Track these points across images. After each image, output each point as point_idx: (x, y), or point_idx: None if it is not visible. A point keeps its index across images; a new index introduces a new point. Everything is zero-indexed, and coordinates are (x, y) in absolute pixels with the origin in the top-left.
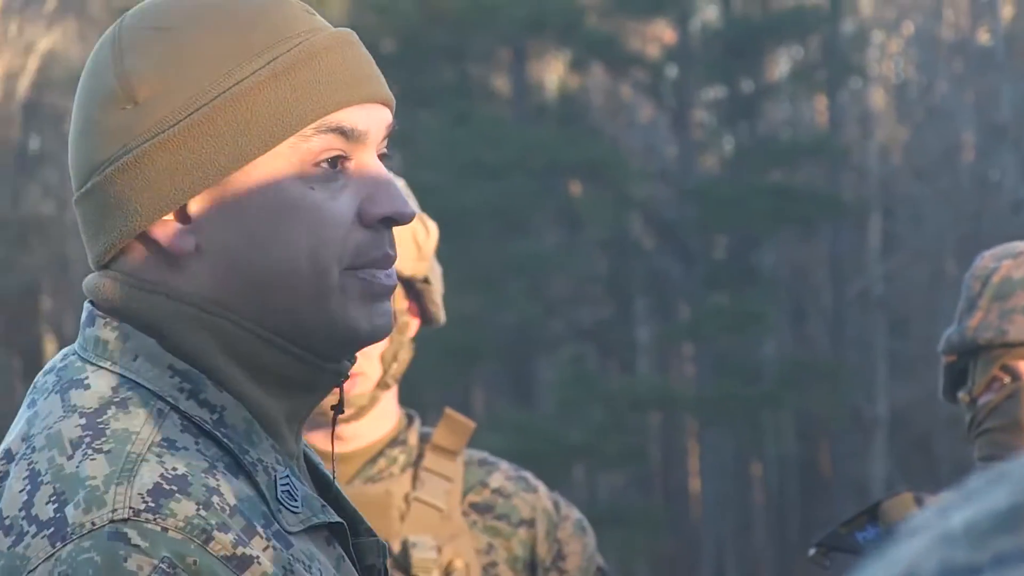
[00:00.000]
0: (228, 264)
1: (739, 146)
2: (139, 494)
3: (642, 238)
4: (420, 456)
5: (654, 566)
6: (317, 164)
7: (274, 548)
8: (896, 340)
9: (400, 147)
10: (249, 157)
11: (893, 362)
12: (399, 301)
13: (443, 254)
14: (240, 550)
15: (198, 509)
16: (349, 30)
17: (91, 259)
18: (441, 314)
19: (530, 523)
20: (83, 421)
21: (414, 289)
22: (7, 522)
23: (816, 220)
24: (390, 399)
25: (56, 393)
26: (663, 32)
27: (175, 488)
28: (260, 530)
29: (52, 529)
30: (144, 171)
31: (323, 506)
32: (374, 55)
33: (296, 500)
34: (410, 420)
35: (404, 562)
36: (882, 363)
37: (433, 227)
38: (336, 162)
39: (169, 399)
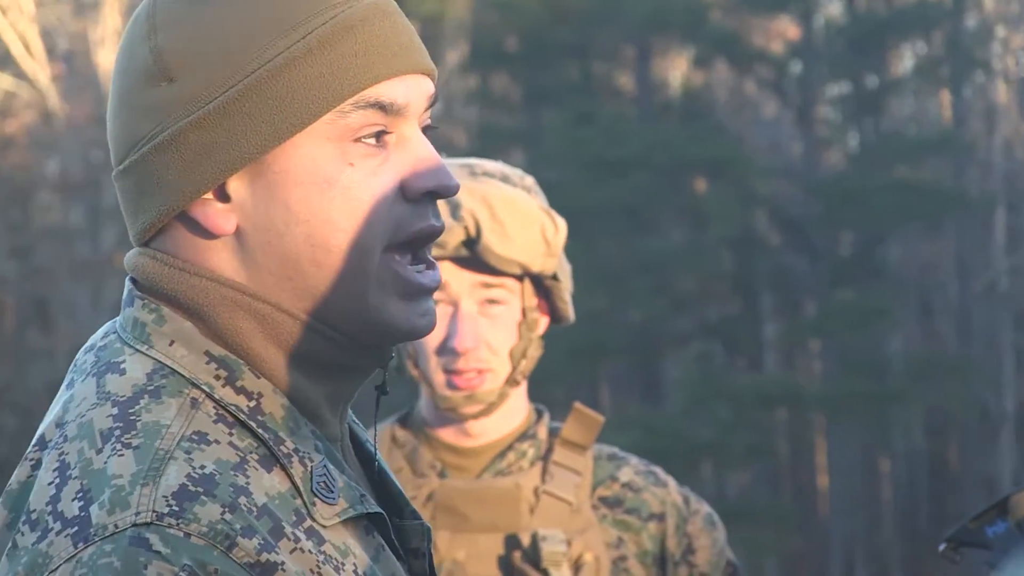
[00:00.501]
0: (268, 244)
1: (864, 142)
2: (163, 496)
3: (768, 235)
4: (549, 450)
5: (783, 563)
6: (357, 140)
7: (302, 550)
8: (1022, 334)
9: (524, 145)
10: (286, 135)
11: (1020, 356)
12: (528, 298)
13: (569, 252)
14: (264, 556)
15: (223, 513)
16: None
17: (132, 235)
18: (570, 312)
19: (660, 517)
20: (115, 411)
21: (543, 286)
22: (34, 516)
23: (941, 215)
24: (519, 395)
25: (93, 376)
26: (787, 28)
27: (201, 490)
28: (289, 530)
29: (76, 528)
30: (181, 150)
31: (362, 496)
32: (498, 54)
33: (332, 492)
34: (539, 415)
35: (534, 555)
36: (1009, 357)
37: (562, 223)
38: (377, 137)
39: (204, 387)
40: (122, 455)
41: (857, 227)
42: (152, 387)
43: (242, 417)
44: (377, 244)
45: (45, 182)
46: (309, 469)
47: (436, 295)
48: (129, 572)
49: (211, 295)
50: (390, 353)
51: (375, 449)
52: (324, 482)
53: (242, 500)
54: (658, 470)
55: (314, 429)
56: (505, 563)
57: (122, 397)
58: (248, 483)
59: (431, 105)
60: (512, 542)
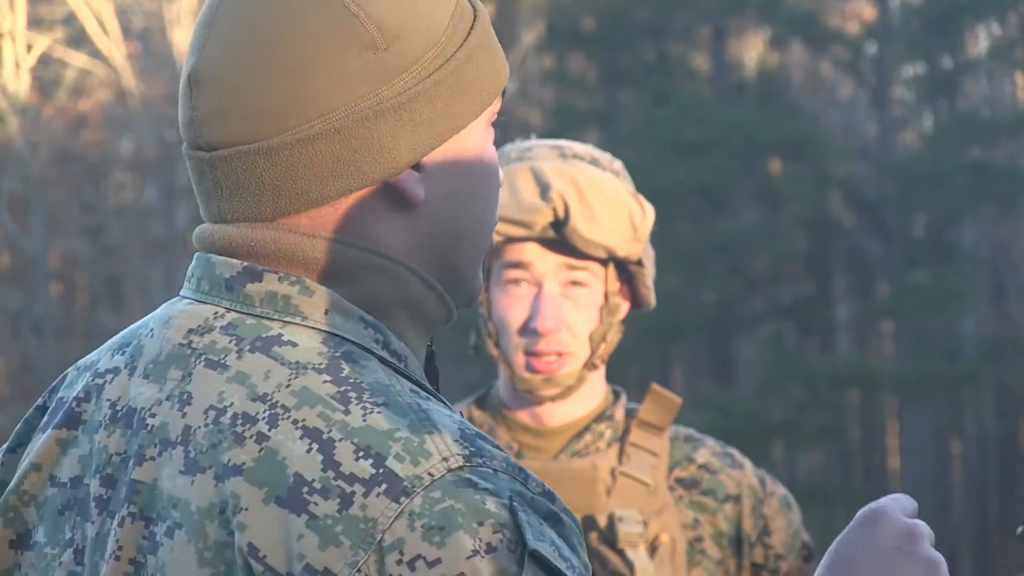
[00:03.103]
0: (445, 214)
1: (939, 123)
2: (455, 441)
3: (842, 216)
4: (626, 431)
5: None
6: (491, 125)
7: None
8: None
9: (600, 126)
10: (479, 111)
11: None
12: (611, 282)
13: None
14: (546, 486)
15: (500, 447)
16: None
17: (283, 207)
18: (652, 297)
19: (736, 499)
20: (327, 377)
21: (627, 271)
22: (316, 485)
23: (1016, 196)
24: (597, 379)
25: (255, 352)
26: (863, 9)
27: (471, 432)
28: None
29: (385, 485)
30: (408, 117)
31: None
32: (575, 34)
33: None
34: (616, 396)
35: (610, 536)
36: None
37: (650, 209)
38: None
39: (373, 351)
40: (379, 411)
41: (931, 208)
42: (339, 353)
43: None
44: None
45: (119, 161)
46: None
47: (520, 275)
48: (472, 511)
49: (361, 261)
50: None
51: None
52: None
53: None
54: (735, 452)
55: None
56: None
57: (321, 364)
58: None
59: None
60: (589, 523)
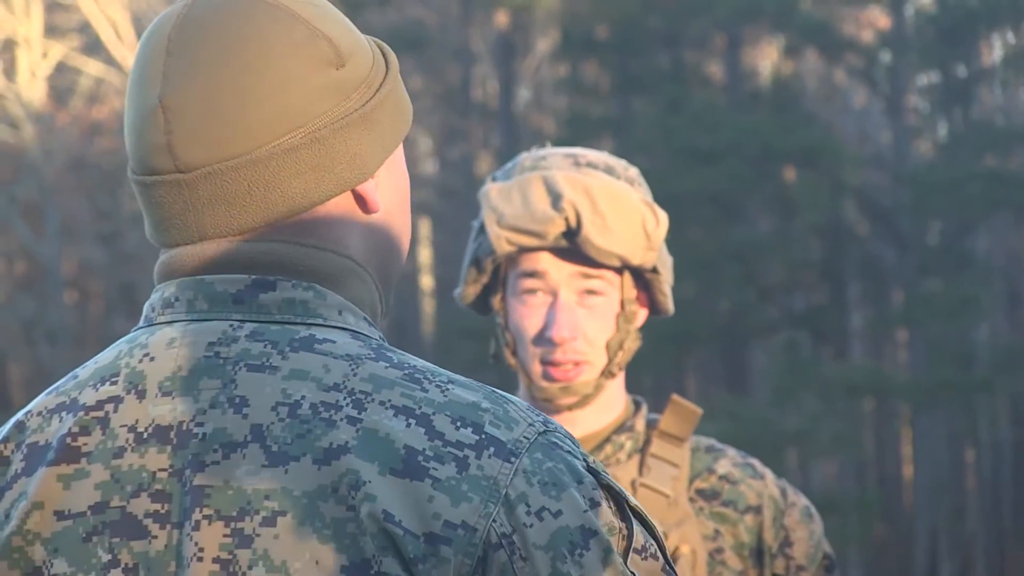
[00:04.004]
0: (389, 221)
1: (953, 131)
2: (529, 410)
3: (856, 224)
4: (647, 442)
5: (867, 552)
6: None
7: None
8: None
9: (614, 134)
10: (406, 130)
11: None
12: (627, 290)
13: None
14: None
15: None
16: None
17: (262, 218)
18: (669, 304)
19: (757, 510)
20: (383, 364)
21: (643, 278)
22: (429, 452)
23: None
24: (616, 387)
25: (298, 352)
26: (877, 17)
27: (527, 404)
28: None
29: (493, 448)
30: (373, 125)
31: None
32: (589, 42)
33: None
34: (637, 406)
35: None
36: None
37: (663, 216)
38: None
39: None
40: (452, 387)
41: (945, 217)
42: (374, 345)
43: None
44: None
45: None
46: None
47: (535, 284)
48: (570, 471)
49: (342, 268)
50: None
51: None
52: None
53: None
54: (755, 462)
55: None
56: None
57: (370, 355)
58: None
59: None
60: None
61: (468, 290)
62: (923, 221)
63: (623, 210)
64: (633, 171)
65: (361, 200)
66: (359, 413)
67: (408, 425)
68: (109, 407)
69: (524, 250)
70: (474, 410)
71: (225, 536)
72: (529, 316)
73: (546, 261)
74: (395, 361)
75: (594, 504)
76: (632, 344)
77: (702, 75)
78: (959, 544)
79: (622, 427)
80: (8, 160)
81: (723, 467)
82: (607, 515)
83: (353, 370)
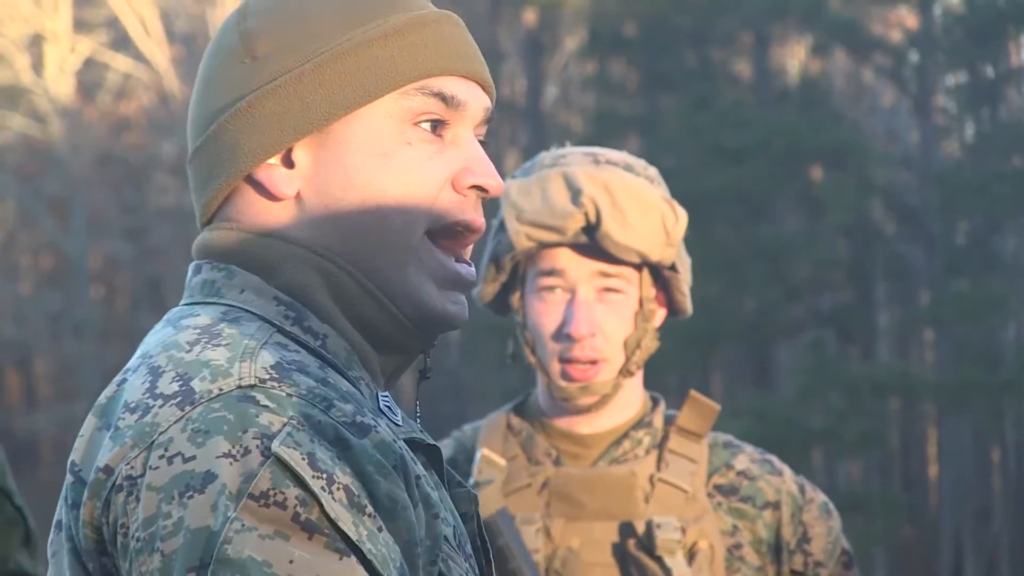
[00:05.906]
0: (326, 208)
1: (980, 132)
2: (263, 367)
3: (883, 223)
4: (665, 438)
5: (892, 552)
6: (416, 123)
7: (386, 428)
8: None
9: (642, 131)
10: (352, 106)
11: None
12: (646, 288)
13: (684, 238)
14: (359, 419)
15: (318, 384)
16: (456, 15)
17: (200, 215)
18: (688, 304)
19: (775, 505)
20: (197, 331)
21: (661, 277)
22: (132, 405)
23: None
24: (634, 386)
25: (165, 327)
26: (905, 17)
27: (294, 367)
28: (371, 415)
29: (180, 399)
30: (255, 116)
31: (421, 430)
32: (617, 39)
33: (397, 415)
34: (655, 403)
35: (648, 542)
36: None
37: (682, 214)
38: (434, 128)
39: (276, 323)
40: (215, 349)
41: (973, 217)
42: (228, 319)
43: (312, 347)
44: (421, 222)
45: (161, 164)
46: (375, 393)
47: (554, 281)
48: (241, 421)
49: (279, 252)
50: (434, 340)
51: (420, 430)
52: (389, 407)
53: (331, 379)
54: (773, 458)
55: (369, 382)
56: (620, 551)
57: (202, 324)
58: (332, 379)
59: (487, 120)
60: (627, 530)
61: (487, 289)
62: (950, 221)
63: (642, 206)
64: (652, 170)
65: (260, 186)
66: (131, 375)
67: (143, 381)
68: None
69: (543, 246)
70: (200, 367)
71: None
72: (548, 313)
73: (565, 258)
74: (211, 330)
75: (246, 452)
76: (650, 343)
77: (730, 73)
78: (984, 544)
79: (640, 423)
80: (35, 155)
81: (741, 463)
82: (252, 463)
83: (164, 340)
